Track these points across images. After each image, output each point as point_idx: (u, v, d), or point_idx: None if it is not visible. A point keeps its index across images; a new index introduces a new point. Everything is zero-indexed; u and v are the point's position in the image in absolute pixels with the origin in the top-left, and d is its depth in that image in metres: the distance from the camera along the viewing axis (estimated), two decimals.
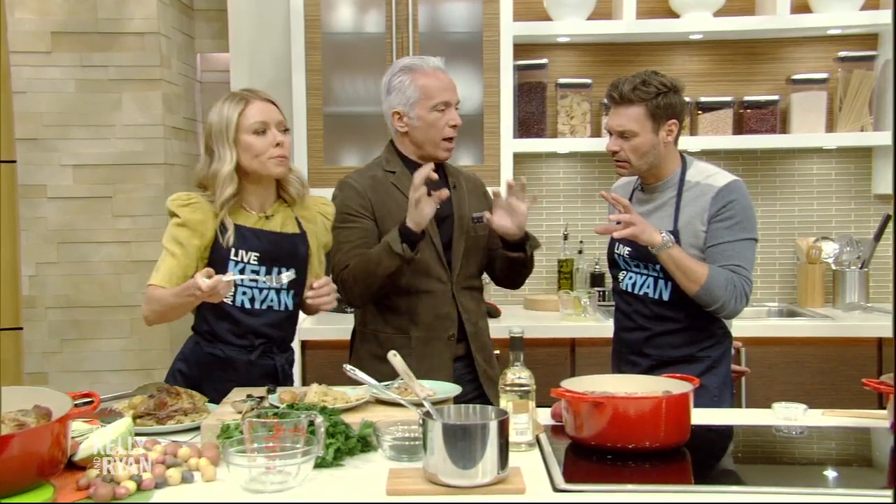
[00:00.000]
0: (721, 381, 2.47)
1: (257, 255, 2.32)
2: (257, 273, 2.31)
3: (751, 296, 2.39)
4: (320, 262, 2.51)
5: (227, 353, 2.35)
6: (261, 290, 2.34)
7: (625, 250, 2.52)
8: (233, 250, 2.30)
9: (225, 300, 2.27)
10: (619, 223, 2.34)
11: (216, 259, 2.29)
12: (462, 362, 2.55)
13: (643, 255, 2.44)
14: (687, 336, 2.45)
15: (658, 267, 2.42)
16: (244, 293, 2.34)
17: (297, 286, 2.38)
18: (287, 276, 2.27)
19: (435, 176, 2.34)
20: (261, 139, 2.30)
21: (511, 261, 2.56)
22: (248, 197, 2.36)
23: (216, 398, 2.19)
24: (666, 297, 2.44)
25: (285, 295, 2.38)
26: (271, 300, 2.36)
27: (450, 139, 2.52)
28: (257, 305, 2.35)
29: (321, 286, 2.36)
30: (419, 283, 2.50)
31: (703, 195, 2.41)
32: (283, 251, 2.36)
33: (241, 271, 2.30)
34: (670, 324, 2.45)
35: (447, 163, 2.64)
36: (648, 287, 2.47)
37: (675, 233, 2.40)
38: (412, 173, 2.44)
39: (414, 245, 2.37)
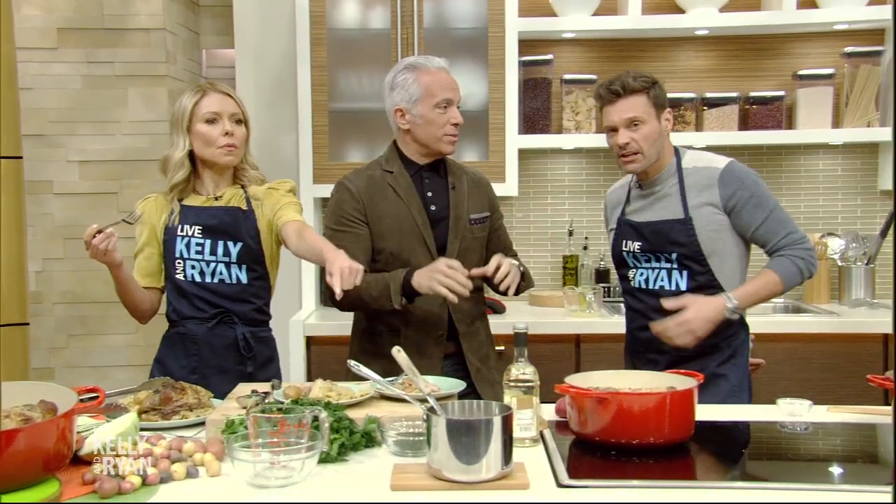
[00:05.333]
0: (741, 372, 2.47)
1: (200, 228, 2.44)
2: (202, 246, 2.43)
3: (811, 245, 2.46)
4: (271, 233, 2.48)
5: (188, 326, 2.47)
6: (208, 263, 2.45)
7: (635, 246, 2.51)
8: (179, 226, 2.45)
9: (178, 276, 2.45)
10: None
11: (168, 238, 2.47)
12: (452, 360, 2.55)
13: (656, 248, 2.44)
14: None
15: (674, 256, 2.42)
16: (192, 267, 2.46)
17: (249, 261, 2.47)
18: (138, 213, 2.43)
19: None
20: (212, 128, 2.44)
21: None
22: (204, 181, 2.50)
23: (184, 375, 2.35)
24: (683, 286, 2.43)
25: (236, 268, 2.46)
26: (221, 273, 2.46)
27: (452, 135, 2.52)
28: (208, 279, 2.46)
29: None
30: None
31: (709, 179, 2.43)
32: (226, 224, 2.45)
33: (187, 245, 2.44)
34: None
35: (451, 160, 2.64)
36: (663, 280, 2.47)
37: (688, 220, 2.41)
38: (409, 174, 2.53)
39: (412, 299, 2.42)
